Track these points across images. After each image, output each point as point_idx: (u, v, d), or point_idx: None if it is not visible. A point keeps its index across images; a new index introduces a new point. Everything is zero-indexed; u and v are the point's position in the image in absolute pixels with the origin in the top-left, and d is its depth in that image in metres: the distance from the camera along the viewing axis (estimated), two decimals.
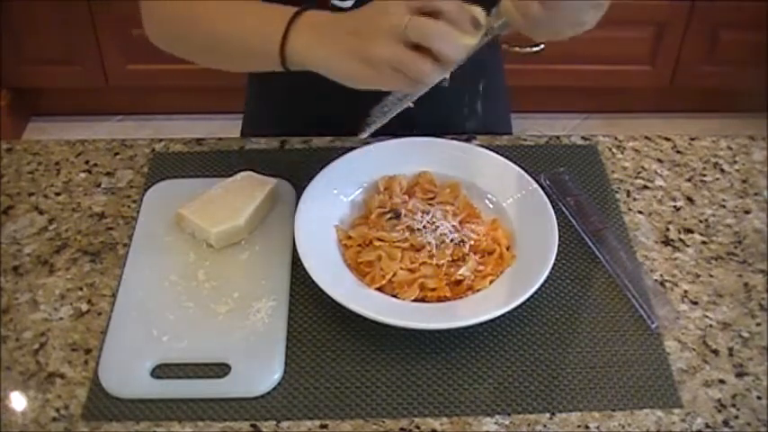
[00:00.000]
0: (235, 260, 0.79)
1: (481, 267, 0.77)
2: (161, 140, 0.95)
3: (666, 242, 0.84)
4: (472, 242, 0.78)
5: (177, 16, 0.80)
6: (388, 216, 0.81)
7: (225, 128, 1.36)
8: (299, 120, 0.99)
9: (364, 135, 0.74)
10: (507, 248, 0.79)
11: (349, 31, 0.67)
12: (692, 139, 0.96)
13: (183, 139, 0.95)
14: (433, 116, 0.87)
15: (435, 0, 0.64)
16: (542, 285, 0.74)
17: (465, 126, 1.00)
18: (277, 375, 0.70)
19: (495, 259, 0.77)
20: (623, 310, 0.77)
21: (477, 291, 0.75)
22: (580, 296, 0.78)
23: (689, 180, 0.91)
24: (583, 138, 0.96)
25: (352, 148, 0.86)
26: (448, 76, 0.67)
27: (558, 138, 0.96)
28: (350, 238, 0.80)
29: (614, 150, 0.94)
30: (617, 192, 0.89)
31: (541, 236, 0.78)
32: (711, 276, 0.80)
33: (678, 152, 0.95)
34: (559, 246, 0.77)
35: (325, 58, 0.69)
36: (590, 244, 0.82)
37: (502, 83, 1.08)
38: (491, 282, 0.76)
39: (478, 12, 0.66)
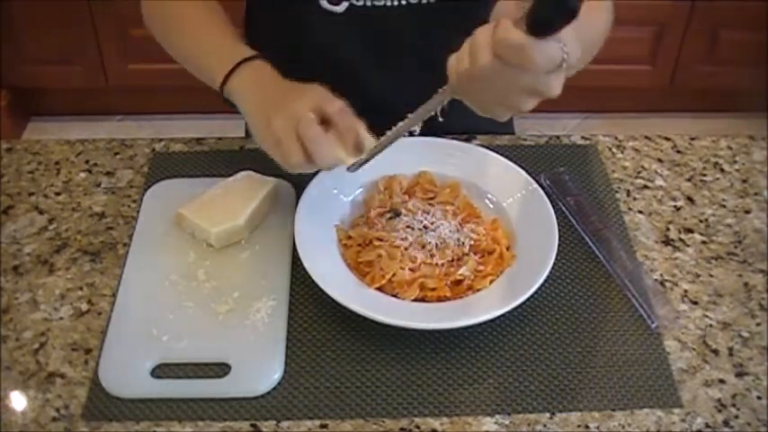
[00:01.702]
0: (235, 260, 0.79)
1: (481, 267, 0.77)
2: (161, 140, 0.95)
3: (666, 242, 0.84)
4: (472, 242, 0.78)
5: (162, 15, 0.88)
6: (388, 216, 0.81)
7: (225, 128, 1.36)
8: None
9: (352, 169, 0.75)
10: (507, 248, 0.79)
11: (269, 97, 0.76)
12: (692, 139, 0.96)
13: (183, 139, 0.95)
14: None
15: (333, 109, 0.72)
16: (542, 285, 0.74)
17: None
18: (277, 375, 0.70)
19: (495, 259, 0.77)
20: (623, 309, 0.77)
21: (477, 290, 0.75)
22: (580, 296, 0.78)
23: (689, 180, 0.91)
24: (583, 137, 0.96)
25: None
26: (439, 112, 0.68)
27: (558, 137, 0.96)
28: (350, 237, 0.80)
29: (614, 150, 0.94)
30: (617, 191, 0.89)
31: (541, 236, 0.78)
32: (711, 276, 0.80)
33: (678, 152, 0.95)
34: (559, 246, 0.77)
35: (245, 110, 0.78)
36: (590, 244, 0.82)
37: None
38: (491, 281, 0.76)
39: (367, 139, 0.73)
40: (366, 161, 0.74)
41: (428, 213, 0.81)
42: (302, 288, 0.77)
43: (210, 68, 0.81)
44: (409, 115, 0.70)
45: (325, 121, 0.72)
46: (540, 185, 0.84)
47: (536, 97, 0.62)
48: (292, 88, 0.76)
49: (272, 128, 0.72)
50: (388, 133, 0.73)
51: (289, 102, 0.73)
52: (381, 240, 0.78)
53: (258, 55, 0.80)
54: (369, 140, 0.73)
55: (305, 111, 0.71)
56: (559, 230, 0.79)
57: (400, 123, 0.72)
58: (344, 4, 0.87)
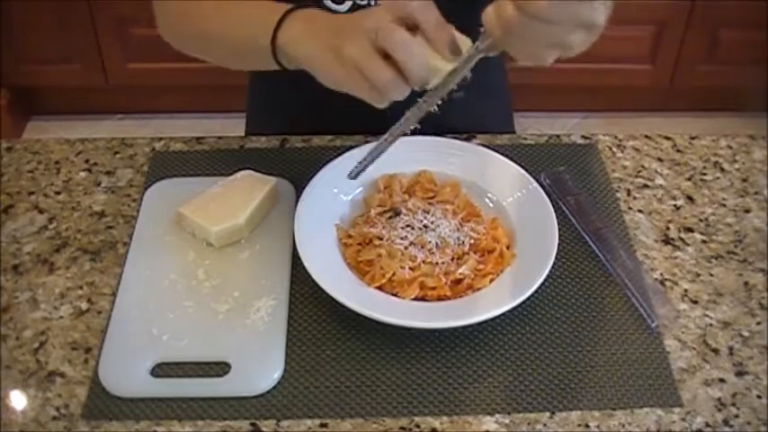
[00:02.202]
0: (235, 259, 0.79)
1: (481, 266, 0.77)
2: (161, 139, 0.95)
3: (666, 241, 0.84)
4: (472, 241, 0.78)
5: (184, 14, 0.82)
6: (388, 215, 0.81)
7: (225, 127, 1.36)
8: (303, 119, 0.99)
9: (352, 176, 0.74)
10: (507, 247, 0.79)
11: (331, 29, 0.67)
12: (693, 138, 0.96)
13: (183, 138, 0.95)
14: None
15: (415, 10, 0.63)
16: (542, 284, 0.74)
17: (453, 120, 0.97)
18: (277, 374, 0.70)
19: (495, 258, 0.77)
20: (623, 309, 0.77)
21: (478, 290, 0.75)
22: (580, 295, 0.78)
23: (689, 179, 0.91)
24: (583, 137, 0.96)
25: (351, 147, 0.86)
26: (457, 88, 0.66)
27: (558, 137, 0.96)
28: (350, 236, 0.80)
29: (614, 149, 0.94)
30: (617, 191, 0.89)
31: (541, 235, 0.78)
32: (711, 275, 0.80)
33: (678, 151, 0.95)
34: (559, 245, 0.77)
35: (307, 53, 0.69)
36: (590, 243, 0.82)
37: (503, 81, 1.08)
38: (491, 281, 0.76)
39: (462, 40, 0.64)
40: (370, 163, 0.74)
41: (428, 212, 0.81)
42: (302, 287, 0.77)
43: (253, 33, 0.72)
44: (411, 111, 0.68)
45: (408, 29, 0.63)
46: (541, 184, 0.84)
47: (588, 32, 0.61)
48: (351, 15, 0.67)
49: (346, 55, 0.63)
50: (394, 127, 0.70)
51: (357, 23, 0.65)
52: (381, 239, 0.78)
53: (301, 5, 0.71)
54: (464, 42, 0.64)
55: (378, 24, 0.63)
56: (559, 229, 0.79)
57: (407, 113, 0.68)
58: (348, 4, 0.87)
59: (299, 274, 0.77)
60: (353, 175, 0.74)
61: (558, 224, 0.79)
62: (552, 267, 0.75)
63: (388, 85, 0.64)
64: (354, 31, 0.64)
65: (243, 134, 1.10)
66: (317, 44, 0.67)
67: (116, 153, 0.93)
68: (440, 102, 0.68)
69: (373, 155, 0.73)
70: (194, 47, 0.84)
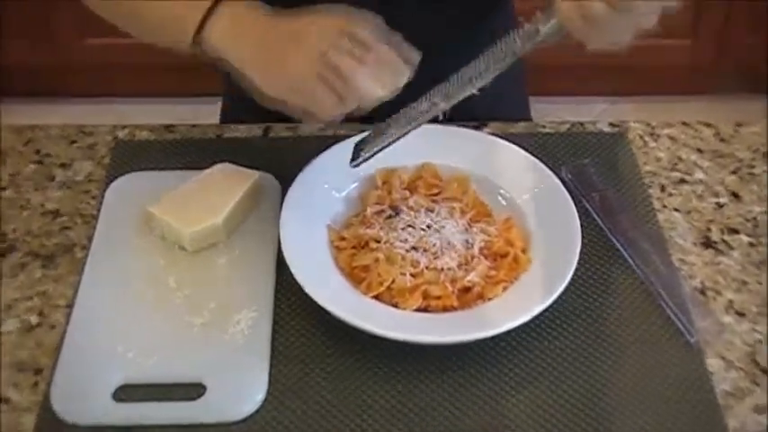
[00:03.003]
0: (211, 265, 0.81)
1: (493, 273, 0.78)
2: (125, 127, 0.96)
3: (707, 244, 0.84)
4: (482, 244, 0.79)
5: None
6: (387, 214, 0.82)
7: (199, 113, 1.37)
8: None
9: (354, 165, 0.76)
10: (523, 251, 0.80)
11: (272, 35, 0.71)
12: (739, 125, 0.97)
13: (150, 126, 0.96)
14: None
15: (362, 34, 0.69)
16: (563, 294, 0.75)
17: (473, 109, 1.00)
18: (260, 396, 0.71)
19: (508, 263, 0.79)
20: (657, 322, 0.77)
21: (489, 299, 0.76)
22: (606, 306, 0.79)
23: (734, 173, 0.92)
24: (610, 124, 0.97)
25: (345, 137, 0.87)
26: (476, 90, 0.72)
27: (581, 124, 0.97)
28: (343, 239, 0.81)
29: (647, 138, 0.95)
30: (650, 186, 0.90)
31: (562, 237, 0.80)
32: (760, 284, 0.81)
33: (722, 140, 0.95)
34: (583, 248, 0.78)
35: (237, 57, 0.73)
36: (618, 246, 0.83)
37: (518, 60, 1.08)
38: (504, 289, 0.77)
39: (404, 66, 0.70)
40: (382, 149, 0.75)
41: (432, 211, 0.82)
42: (288, 297, 0.78)
43: (176, 17, 0.75)
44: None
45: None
46: (561, 179, 0.85)
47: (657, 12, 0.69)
48: (302, 17, 0.71)
49: (289, 72, 0.69)
50: (419, 107, 0.73)
51: (304, 34, 0.69)
52: (379, 242, 0.79)
53: None
54: (405, 69, 0.71)
55: (329, 40, 0.68)
56: (583, 231, 0.80)
57: (435, 94, 0.72)
58: None
59: (284, 281, 0.78)
60: (358, 162, 0.75)
61: (582, 225, 0.80)
62: (574, 274, 0.76)
63: (330, 112, 0.70)
64: (301, 44, 0.69)
65: (219, 121, 1.11)
66: (253, 50, 0.72)
67: (72, 142, 0.94)
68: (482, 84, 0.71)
69: (387, 138, 0.75)
70: (108, 14, 0.84)
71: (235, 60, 0.74)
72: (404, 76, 0.71)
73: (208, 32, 0.74)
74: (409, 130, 0.76)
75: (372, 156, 0.77)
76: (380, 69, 0.70)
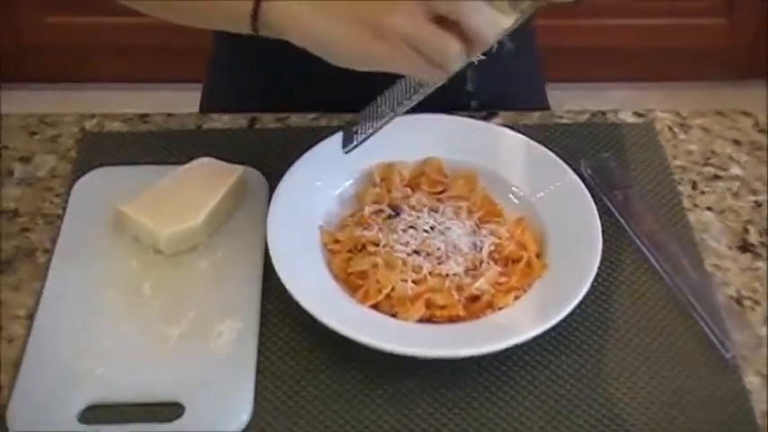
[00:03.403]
0: (191, 270, 0.81)
1: (503, 279, 0.79)
2: (93, 116, 0.96)
3: (744, 248, 0.85)
4: (492, 247, 0.80)
5: None
6: (386, 214, 0.83)
7: (176, 101, 1.37)
8: (276, 91, 1.00)
9: (347, 150, 0.76)
10: (537, 255, 0.81)
11: (359, 2, 0.70)
12: None
13: (122, 115, 0.96)
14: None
15: None
16: (582, 303, 0.76)
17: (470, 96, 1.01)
18: (245, 416, 0.71)
19: (521, 269, 0.79)
20: (688, 334, 0.78)
21: (499, 309, 0.77)
22: (631, 317, 0.79)
23: None
24: (635, 113, 0.97)
25: (339, 128, 0.87)
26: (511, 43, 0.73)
27: (603, 114, 0.98)
28: (337, 242, 0.82)
29: (676, 130, 0.96)
30: (680, 183, 0.90)
31: (581, 239, 0.80)
32: None
33: (761, 131, 0.96)
34: (604, 252, 0.79)
35: (320, 28, 0.71)
36: (644, 250, 0.84)
37: (531, 42, 1.09)
38: (516, 298, 0.78)
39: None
40: (376, 130, 0.76)
41: (436, 211, 0.83)
42: (276, 306, 0.79)
43: None
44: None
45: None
46: (580, 175, 0.86)
47: None
48: None
49: (395, 29, 0.68)
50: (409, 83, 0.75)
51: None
52: (377, 245, 0.80)
53: None
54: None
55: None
56: (604, 233, 0.80)
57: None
58: None
59: (272, 289, 0.79)
60: (351, 148, 0.76)
61: (603, 226, 0.81)
62: (594, 281, 0.76)
63: (455, 59, 0.68)
64: (393, 2, 0.68)
65: (199, 110, 1.11)
66: (336, 16, 0.70)
67: (33, 134, 0.94)
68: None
69: (382, 118, 0.76)
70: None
71: (320, 41, 0.72)
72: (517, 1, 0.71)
73: (269, 13, 0.73)
74: (407, 106, 0.76)
75: (368, 138, 0.77)
76: None
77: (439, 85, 0.75)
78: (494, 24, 0.69)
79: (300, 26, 0.72)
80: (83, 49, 2.15)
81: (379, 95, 0.79)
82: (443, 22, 0.68)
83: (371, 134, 0.78)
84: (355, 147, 0.79)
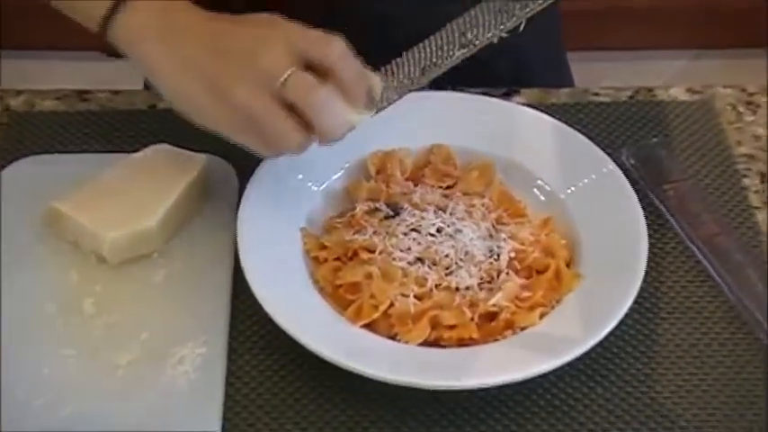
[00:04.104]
0: (143, 283, 0.82)
1: (527, 294, 0.80)
2: (20, 93, 0.97)
3: None
4: (513, 254, 0.81)
5: None
6: (384, 214, 0.84)
7: (122, 74, 1.38)
8: None
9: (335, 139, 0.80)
10: (567, 264, 0.82)
11: (210, 51, 0.76)
12: None
13: (56, 92, 0.97)
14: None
15: (330, 55, 0.75)
16: (623, 322, 0.77)
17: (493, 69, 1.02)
18: None
19: (548, 281, 0.80)
20: (755, 362, 0.78)
21: (521, 330, 0.78)
22: (683, 341, 0.80)
23: None
24: (690, 90, 0.99)
25: None
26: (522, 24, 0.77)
27: (650, 90, 0.99)
28: (323, 247, 0.83)
29: (741, 109, 0.97)
30: (745, 175, 0.91)
31: (622, 245, 0.82)
32: None
33: None
34: (650, 260, 0.80)
35: (163, 70, 0.78)
36: (700, 257, 0.85)
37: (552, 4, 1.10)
38: (542, 316, 0.79)
39: (377, 83, 0.78)
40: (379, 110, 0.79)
41: (444, 210, 0.84)
42: (249, 326, 0.80)
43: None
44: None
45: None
46: (621, 166, 0.87)
47: None
48: (237, 33, 0.77)
49: (238, 102, 0.74)
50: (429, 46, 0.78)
51: (249, 58, 0.75)
52: (372, 252, 0.81)
53: None
54: (378, 86, 0.78)
55: (281, 69, 0.74)
56: (651, 237, 0.82)
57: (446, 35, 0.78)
58: None
59: (243, 305, 0.80)
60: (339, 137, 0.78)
61: (649, 228, 0.82)
62: (638, 296, 0.78)
63: (296, 148, 0.76)
64: (247, 69, 0.74)
65: (144, 84, 1.12)
66: (188, 71, 0.77)
67: None
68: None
69: (398, 90, 0.80)
70: None
71: (153, 71, 0.79)
72: (374, 103, 0.78)
73: (121, 23, 0.79)
74: (433, 74, 0.79)
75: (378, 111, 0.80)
76: (351, 94, 0.76)
77: (478, 44, 0.79)
78: (342, 124, 0.76)
79: (145, 60, 0.79)
80: (6, 10, 2.15)
81: (391, 61, 0.81)
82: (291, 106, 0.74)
83: (378, 111, 0.80)
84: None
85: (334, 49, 0.75)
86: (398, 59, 0.81)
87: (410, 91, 0.80)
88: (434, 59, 0.80)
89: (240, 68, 0.74)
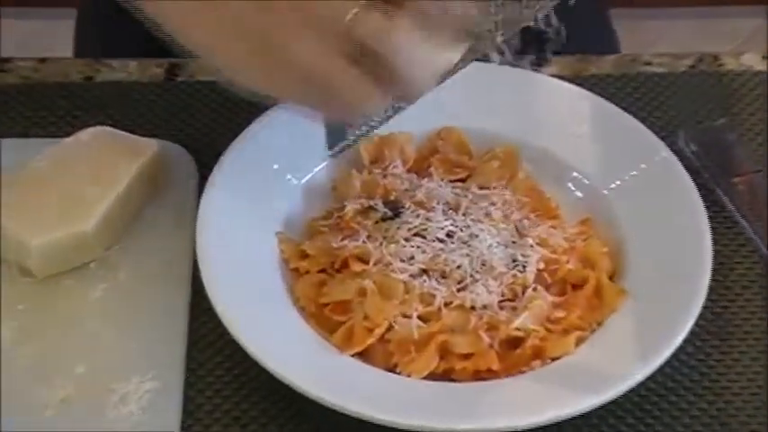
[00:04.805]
0: (78, 301, 0.83)
1: (559, 314, 0.80)
2: None
3: None
4: (542, 265, 0.82)
5: None
6: (380, 214, 0.85)
7: (52, 35, 1.39)
8: None
9: (335, 151, 0.80)
10: (610, 277, 0.83)
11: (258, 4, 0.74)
12: None
13: None
14: None
15: None
16: (681, 349, 0.77)
17: None
18: None
19: (586, 298, 0.81)
20: None
21: (553, 360, 0.78)
22: (760, 370, 0.80)
23: None
24: (765, 58, 1.00)
25: None
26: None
27: (715, 59, 1.00)
28: (305, 256, 0.84)
29: None
30: None
31: (679, 251, 0.82)
32: None
33: None
34: (715, 270, 0.81)
35: (198, 33, 0.77)
36: None
37: None
38: (578, 342, 0.79)
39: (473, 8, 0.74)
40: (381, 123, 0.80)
41: (456, 209, 0.84)
42: (210, 355, 0.80)
43: None
44: None
45: None
46: (679, 153, 0.88)
47: None
48: None
49: (294, 61, 0.73)
50: None
51: (305, 6, 0.73)
52: (366, 262, 0.81)
53: None
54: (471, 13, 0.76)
55: (345, 9, 0.72)
56: (716, 241, 0.82)
57: None
58: None
59: (203, 329, 0.81)
60: (340, 148, 0.79)
61: (714, 231, 0.83)
62: (701, 316, 0.78)
63: (372, 107, 0.75)
64: (302, 17, 0.72)
65: (74, 52, 1.12)
66: (224, 23, 0.75)
67: None
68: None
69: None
70: None
71: (184, 34, 0.77)
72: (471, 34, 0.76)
73: None
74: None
75: (371, 130, 0.80)
76: (435, 24, 0.73)
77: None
78: (430, 73, 0.75)
79: (170, 17, 0.77)
80: None
81: None
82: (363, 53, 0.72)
83: (376, 126, 0.81)
84: (346, 147, 0.81)
85: None
86: None
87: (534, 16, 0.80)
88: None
89: (294, 18, 0.73)
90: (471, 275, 0.81)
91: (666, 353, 0.76)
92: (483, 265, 0.81)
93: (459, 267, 0.81)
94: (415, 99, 0.77)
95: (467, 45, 0.76)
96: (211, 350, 0.81)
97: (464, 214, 0.84)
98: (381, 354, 0.78)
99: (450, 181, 0.88)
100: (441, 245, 0.82)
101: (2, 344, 0.80)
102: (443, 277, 0.81)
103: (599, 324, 0.80)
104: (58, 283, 0.83)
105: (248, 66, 0.75)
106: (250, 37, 0.74)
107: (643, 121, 0.90)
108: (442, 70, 0.76)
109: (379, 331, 0.78)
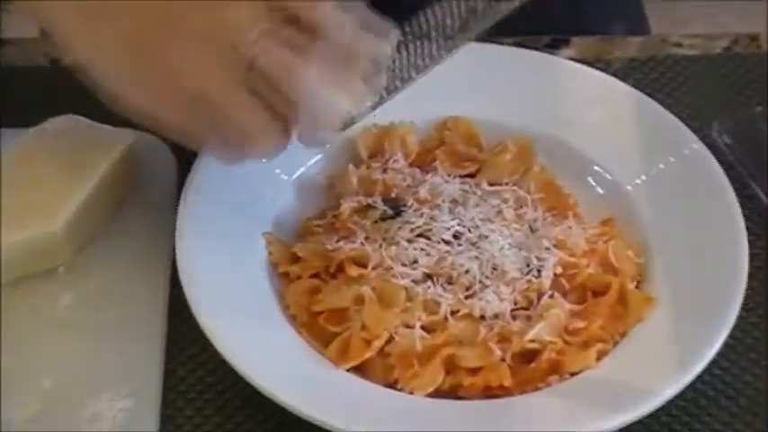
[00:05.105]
0: (44, 309, 0.83)
1: (579, 324, 0.80)
2: None
3: None
4: (560, 269, 0.82)
5: None
6: (380, 213, 0.85)
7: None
8: None
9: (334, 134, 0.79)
10: (636, 283, 0.83)
11: (150, 18, 0.73)
12: None
13: None
14: None
15: (315, 15, 0.73)
16: (714, 363, 0.77)
17: None
18: None
19: (608, 306, 0.81)
20: None
21: (572, 375, 0.78)
22: None
23: None
24: None
25: None
26: None
27: (753, 39, 1.00)
28: (297, 260, 0.84)
29: None
30: None
31: (711, 254, 0.82)
32: None
33: None
34: (752, 275, 0.81)
35: (86, 47, 0.78)
36: None
37: None
38: (600, 355, 0.79)
39: (386, 46, 0.76)
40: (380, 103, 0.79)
41: (464, 206, 0.84)
42: (190, 369, 0.81)
43: None
44: None
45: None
46: (711, 145, 0.88)
47: None
48: None
49: (185, 83, 0.73)
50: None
51: (202, 11, 0.73)
52: (364, 266, 0.82)
53: None
54: (383, 57, 0.77)
55: (250, 22, 0.72)
56: (753, 243, 0.82)
57: None
58: None
59: (183, 340, 0.81)
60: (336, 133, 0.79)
61: (750, 231, 0.83)
62: (735, 327, 0.78)
63: (267, 143, 0.76)
64: (204, 34, 0.73)
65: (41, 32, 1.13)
66: (110, 41, 0.76)
67: None
68: None
69: (410, 72, 0.79)
70: None
71: (81, 48, 0.79)
72: (381, 71, 0.76)
73: None
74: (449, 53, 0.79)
75: (368, 113, 0.80)
76: (343, 65, 0.74)
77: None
78: (336, 112, 0.75)
79: (62, 34, 0.79)
80: None
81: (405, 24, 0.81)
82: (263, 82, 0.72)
83: (379, 104, 0.80)
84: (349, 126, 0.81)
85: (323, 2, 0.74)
86: (426, 11, 0.80)
87: (441, 59, 0.80)
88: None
89: (194, 33, 0.73)
90: (480, 281, 0.81)
91: (699, 367, 0.76)
92: (494, 269, 0.81)
93: (467, 272, 0.81)
94: (314, 145, 0.78)
95: (374, 98, 0.78)
96: (191, 364, 0.81)
97: (473, 213, 0.84)
98: (381, 368, 0.78)
99: (458, 176, 0.88)
100: (447, 247, 0.82)
101: None
102: (450, 283, 0.81)
103: (623, 335, 0.80)
104: (23, 289, 0.83)
105: (145, 90, 0.76)
106: (136, 53, 0.74)
107: (671, 109, 0.90)
108: (345, 117, 0.77)
109: (378, 343, 0.78)
